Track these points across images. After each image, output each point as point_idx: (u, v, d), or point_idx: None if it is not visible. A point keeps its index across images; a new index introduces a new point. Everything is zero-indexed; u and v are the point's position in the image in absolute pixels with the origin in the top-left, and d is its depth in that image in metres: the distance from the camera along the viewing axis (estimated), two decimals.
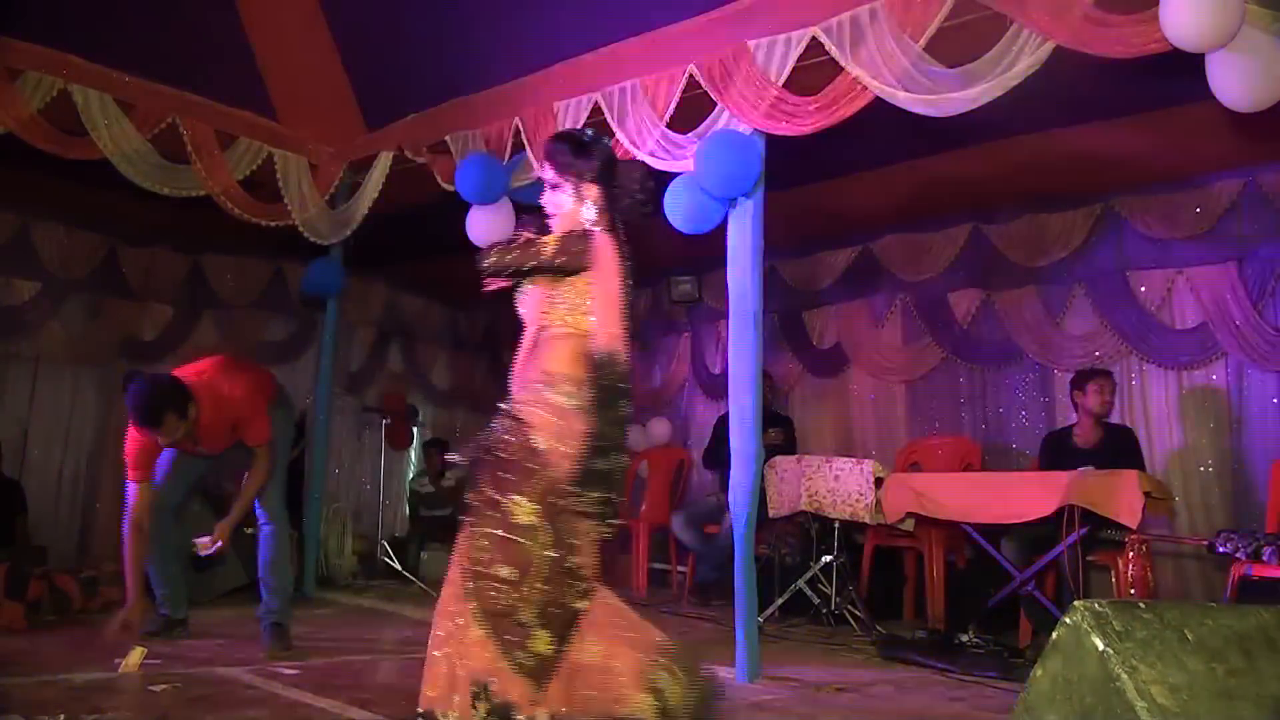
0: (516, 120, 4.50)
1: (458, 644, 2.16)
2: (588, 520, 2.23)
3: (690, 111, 3.90)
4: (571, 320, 2.32)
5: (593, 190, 2.42)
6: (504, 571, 2.14)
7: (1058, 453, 4.64)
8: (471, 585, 2.16)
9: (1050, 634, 1.89)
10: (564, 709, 2.15)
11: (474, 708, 2.10)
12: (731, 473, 3.68)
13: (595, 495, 2.21)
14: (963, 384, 6.09)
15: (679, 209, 3.79)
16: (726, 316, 3.84)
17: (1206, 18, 2.76)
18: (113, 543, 6.20)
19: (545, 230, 2.43)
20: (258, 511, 3.91)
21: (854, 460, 4.81)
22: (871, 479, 4.60)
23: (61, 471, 6.35)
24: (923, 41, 3.28)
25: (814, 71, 3.58)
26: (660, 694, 2.14)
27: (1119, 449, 4.42)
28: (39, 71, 4.30)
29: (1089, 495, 3.77)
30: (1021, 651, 3.95)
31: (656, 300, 7.34)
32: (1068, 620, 1.84)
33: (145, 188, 4.65)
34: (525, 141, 4.46)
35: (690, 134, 3.89)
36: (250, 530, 4.15)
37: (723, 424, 5.00)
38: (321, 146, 5.37)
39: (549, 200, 2.46)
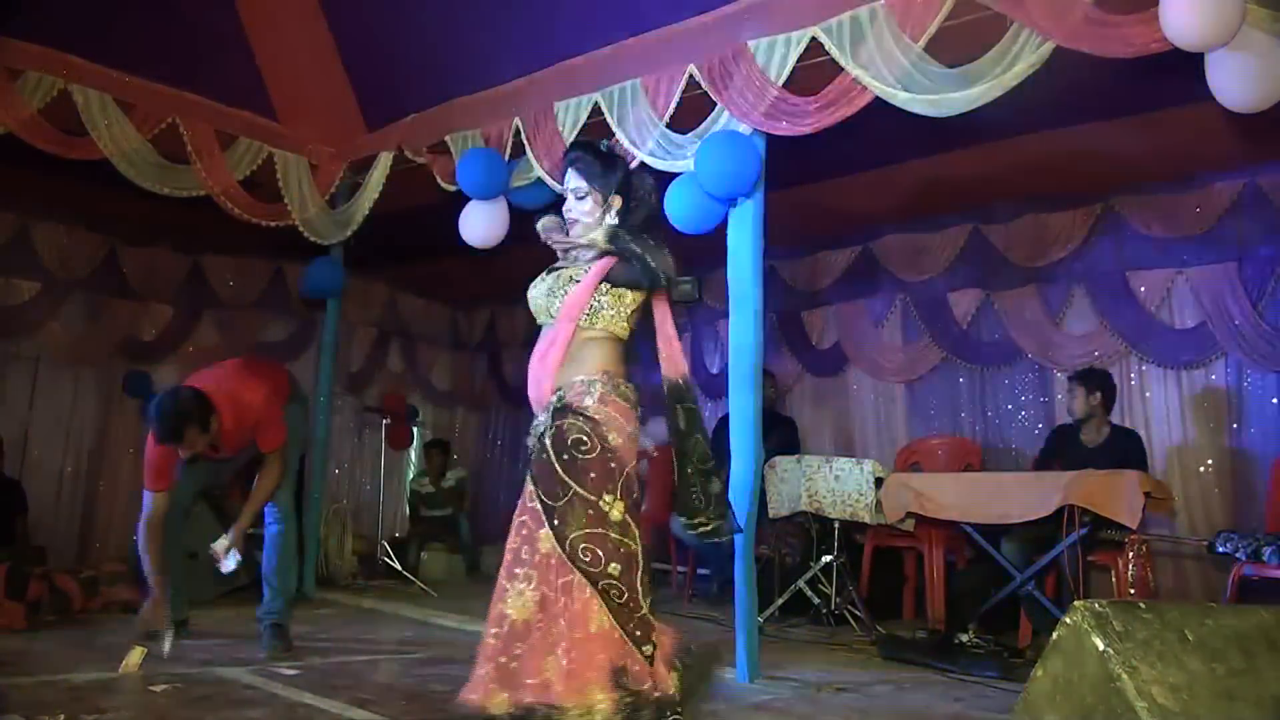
0: (516, 120, 4.50)
1: (574, 642, 2.18)
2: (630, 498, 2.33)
3: (690, 111, 3.90)
4: (613, 327, 2.41)
5: (616, 201, 2.49)
6: (616, 569, 2.22)
7: (1062, 446, 4.64)
8: (597, 586, 2.21)
9: (1050, 634, 1.89)
10: (670, 690, 2.25)
11: (615, 698, 2.16)
12: (731, 473, 3.68)
13: (702, 519, 2.48)
14: (962, 384, 6.09)
15: (679, 209, 3.79)
16: (726, 316, 3.84)
17: (1206, 17, 2.77)
18: (113, 543, 6.24)
19: (564, 234, 2.47)
20: (267, 511, 3.89)
21: (854, 460, 4.82)
22: (871, 479, 4.60)
23: (61, 471, 6.35)
24: (923, 41, 3.28)
25: (814, 71, 3.58)
26: (681, 673, 2.32)
27: (1123, 451, 4.40)
28: (39, 71, 4.31)
29: (1089, 495, 3.77)
30: (1021, 651, 3.95)
31: None
32: (1068, 620, 1.84)
33: (145, 188, 4.65)
34: (525, 141, 4.46)
35: (690, 134, 3.89)
36: (254, 530, 4.14)
37: (723, 428, 4.98)
38: (321, 146, 5.37)
39: (574, 208, 2.49)
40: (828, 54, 3.50)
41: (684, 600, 5.69)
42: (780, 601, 4.86)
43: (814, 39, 3.55)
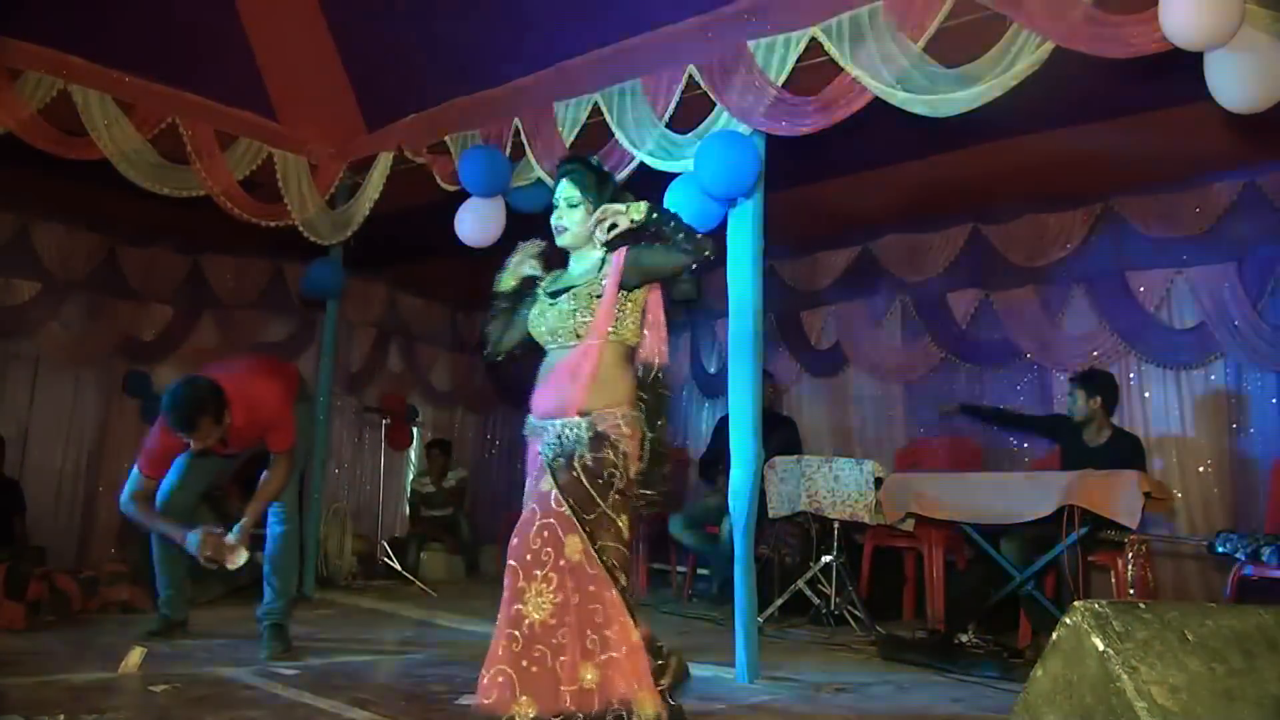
0: (516, 120, 4.50)
1: (632, 648, 2.27)
2: (634, 513, 2.47)
3: (690, 112, 3.90)
4: (628, 335, 2.50)
5: None
6: (623, 579, 2.35)
7: (1065, 436, 4.65)
8: (626, 596, 2.32)
9: (1050, 634, 1.89)
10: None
11: (662, 687, 2.32)
12: (731, 473, 3.68)
13: (651, 494, 2.51)
14: (962, 384, 6.10)
15: (678, 209, 3.77)
16: (725, 316, 3.84)
17: (1206, 17, 2.77)
18: (113, 543, 6.24)
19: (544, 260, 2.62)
20: (271, 511, 3.87)
21: (854, 460, 4.82)
22: (871, 479, 4.60)
23: (61, 471, 6.36)
24: (922, 41, 3.28)
25: (814, 71, 3.58)
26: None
27: (1123, 453, 4.40)
28: (39, 71, 4.30)
29: (1089, 495, 3.77)
30: (1021, 651, 3.95)
31: None
32: (1068, 620, 1.84)
33: (145, 188, 4.65)
34: (525, 141, 4.46)
35: (690, 134, 3.89)
36: (256, 530, 4.14)
37: (722, 429, 4.98)
38: (321, 146, 5.37)
39: (565, 216, 2.56)
40: (827, 54, 3.50)
41: (684, 600, 5.69)
42: (780, 602, 4.86)
43: (813, 39, 3.55)
